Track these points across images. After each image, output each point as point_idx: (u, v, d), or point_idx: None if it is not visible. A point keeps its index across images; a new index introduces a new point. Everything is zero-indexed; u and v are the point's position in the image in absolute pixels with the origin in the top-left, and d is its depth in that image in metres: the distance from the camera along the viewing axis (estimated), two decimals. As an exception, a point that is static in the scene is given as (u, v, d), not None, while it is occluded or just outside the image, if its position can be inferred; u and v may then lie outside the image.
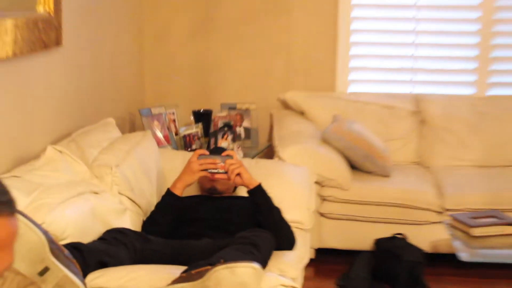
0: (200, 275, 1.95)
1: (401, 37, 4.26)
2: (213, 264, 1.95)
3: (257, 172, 2.84)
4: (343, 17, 4.05)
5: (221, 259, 1.99)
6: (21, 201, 2.09)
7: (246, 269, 1.92)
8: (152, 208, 2.74)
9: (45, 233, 1.86)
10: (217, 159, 2.65)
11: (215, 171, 2.64)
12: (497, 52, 4.25)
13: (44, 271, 1.86)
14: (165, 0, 4.24)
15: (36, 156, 2.64)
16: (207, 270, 1.93)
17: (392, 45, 4.29)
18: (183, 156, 2.95)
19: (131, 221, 2.60)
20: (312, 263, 3.26)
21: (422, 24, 4.19)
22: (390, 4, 4.21)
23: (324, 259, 3.59)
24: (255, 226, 2.57)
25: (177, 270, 2.05)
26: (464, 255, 2.84)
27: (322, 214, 3.45)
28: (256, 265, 1.94)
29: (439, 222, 3.37)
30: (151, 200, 2.82)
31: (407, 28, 4.20)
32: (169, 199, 2.67)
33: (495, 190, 3.55)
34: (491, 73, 4.28)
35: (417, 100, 4.05)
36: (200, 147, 3.42)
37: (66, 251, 1.95)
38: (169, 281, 1.99)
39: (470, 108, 3.98)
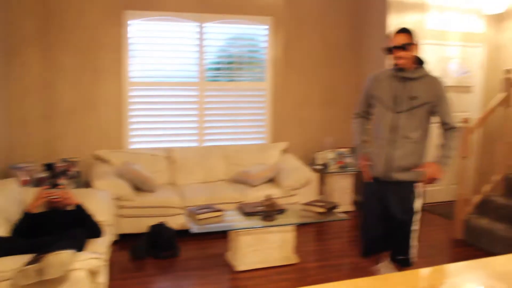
0: (39, 259, 2.46)
1: (159, 116, 5.53)
2: (49, 252, 2.50)
3: (82, 195, 3.86)
4: (125, 100, 5.40)
5: (56, 248, 2.52)
6: None
7: (64, 253, 2.49)
8: (16, 218, 3.33)
9: None
10: (55, 190, 3.45)
11: (54, 197, 3.43)
12: (208, 118, 5.70)
13: None
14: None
15: None
16: (42, 256, 2.47)
17: (155, 123, 5.51)
18: (36, 190, 3.67)
19: (1, 230, 3.19)
20: (116, 242, 4.34)
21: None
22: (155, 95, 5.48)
23: (124, 240, 4.52)
24: (78, 226, 3.28)
25: (28, 257, 2.57)
26: (195, 229, 3.81)
27: (121, 215, 4.55)
28: (70, 251, 2.51)
29: (182, 214, 4.64)
30: (14, 215, 3.41)
31: (165, 112, 5.54)
32: (25, 216, 3.33)
33: (209, 194, 4.83)
34: (205, 133, 5.72)
35: (168, 150, 5.48)
36: (48, 184, 3.92)
37: None
38: (24, 264, 2.50)
39: (195, 152, 5.52)
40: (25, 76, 5.16)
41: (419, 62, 3.10)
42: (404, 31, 3.02)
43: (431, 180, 3.05)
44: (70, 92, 5.32)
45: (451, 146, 3.09)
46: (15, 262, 2.57)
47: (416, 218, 3.19)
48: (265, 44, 6.01)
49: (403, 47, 2.98)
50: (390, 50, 3.03)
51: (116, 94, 5.44)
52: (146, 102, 5.63)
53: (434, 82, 3.05)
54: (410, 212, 3.15)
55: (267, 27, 5.95)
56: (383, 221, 3.21)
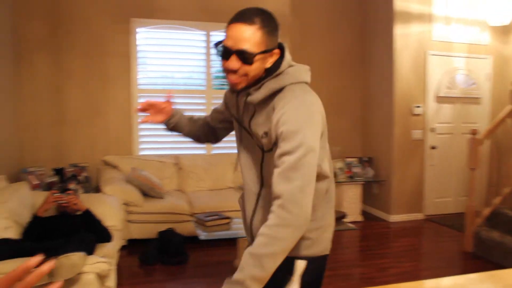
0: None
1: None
2: (58, 254, 2.52)
3: (91, 200, 3.90)
4: (134, 107, 5.45)
5: (64, 251, 2.54)
6: None
7: (74, 255, 2.50)
8: (26, 221, 3.37)
9: None
10: (63, 195, 3.45)
11: (62, 202, 3.45)
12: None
13: None
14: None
15: None
16: (55, 258, 2.34)
17: (163, 129, 5.49)
18: (45, 195, 3.70)
19: (12, 233, 3.22)
20: (125, 247, 4.40)
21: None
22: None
23: (132, 245, 4.54)
24: (87, 231, 3.29)
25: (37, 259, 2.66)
26: (203, 236, 3.76)
27: (129, 221, 4.61)
28: (81, 253, 2.51)
29: (190, 220, 4.68)
30: (25, 219, 3.44)
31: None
32: (35, 219, 3.37)
33: (217, 202, 4.85)
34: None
35: (176, 157, 5.55)
36: (57, 188, 4.47)
37: None
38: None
39: (203, 160, 5.61)
40: (34, 81, 5.22)
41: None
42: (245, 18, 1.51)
43: None
44: (79, 98, 5.39)
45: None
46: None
47: None
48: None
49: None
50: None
51: (125, 100, 5.49)
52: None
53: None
54: None
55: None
56: None
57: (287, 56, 1.62)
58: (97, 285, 2.71)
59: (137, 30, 5.45)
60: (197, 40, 5.74)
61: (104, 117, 5.43)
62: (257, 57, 1.51)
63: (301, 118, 1.46)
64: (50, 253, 2.61)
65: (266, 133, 1.54)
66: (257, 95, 1.56)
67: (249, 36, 1.49)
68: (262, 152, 1.61)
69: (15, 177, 4.77)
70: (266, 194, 1.62)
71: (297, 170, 1.41)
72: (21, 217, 3.46)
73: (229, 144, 5.92)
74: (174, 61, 5.63)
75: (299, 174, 1.41)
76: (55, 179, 4.84)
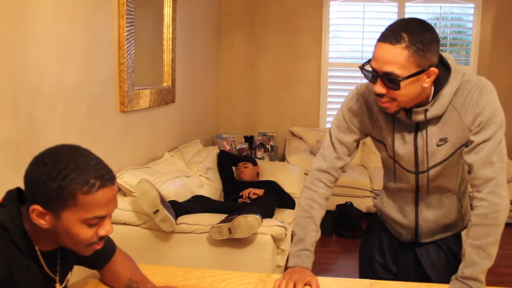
0: (231, 219, 2.65)
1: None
2: (239, 214, 2.65)
3: (276, 168, 4.22)
4: (323, 81, 5.51)
5: (244, 211, 2.68)
6: (149, 178, 2.87)
7: (252, 217, 2.63)
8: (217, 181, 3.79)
9: (159, 193, 2.63)
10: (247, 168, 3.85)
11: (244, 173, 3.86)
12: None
13: (156, 212, 2.63)
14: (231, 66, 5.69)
15: (159, 158, 3.63)
16: (234, 217, 2.64)
17: None
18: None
19: (206, 191, 3.53)
20: None
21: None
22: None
23: None
24: (270, 195, 3.44)
25: (223, 217, 2.77)
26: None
27: None
28: (257, 216, 2.62)
29: (370, 196, 4.64)
30: (216, 179, 3.85)
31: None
32: (228, 182, 3.85)
33: None
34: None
35: None
36: (246, 155, 4.78)
37: (168, 203, 2.71)
38: (218, 222, 2.73)
39: None
40: (231, 56, 5.63)
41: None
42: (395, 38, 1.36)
43: None
44: (271, 71, 5.63)
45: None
46: (212, 219, 2.82)
47: None
48: (471, 25, 5.51)
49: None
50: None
51: (314, 74, 5.58)
52: (343, 83, 5.65)
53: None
54: None
55: (473, 5, 5.44)
56: None
57: (454, 67, 1.49)
58: (273, 247, 2.85)
59: (331, 3, 5.46)
60: (389, 12, 5.54)
61: (293, 90, 5.60)
62: (404, 82, 1.36)
63: (491, 103, 1.44)
64: (235, 212, 2.81)
65: (443, 139, 1.52)
66: (437, 109, 1.48)
67: (393, 58, 1.34)
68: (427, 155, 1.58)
69: (210, 142, 5.16)
70: (424, 191, 1.67)
71: (498, 153, 1.43)
72: (212, 177, 3.81)
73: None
74: (365, 34, 5.53)
75: (500, 157, 1.44)
76: (244, 146, 5.14)
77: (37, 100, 2.29)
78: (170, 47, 3.79)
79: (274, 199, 3.32)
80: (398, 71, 1.34)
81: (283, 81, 5.62)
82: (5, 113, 2.09)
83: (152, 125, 3.65)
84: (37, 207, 1.09)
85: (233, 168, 4.06)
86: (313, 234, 1.65)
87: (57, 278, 1.29)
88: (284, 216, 3.36)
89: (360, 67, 1.47)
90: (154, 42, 3.62)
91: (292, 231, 1.68)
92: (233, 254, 2.79)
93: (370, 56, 1.43)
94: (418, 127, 1.54)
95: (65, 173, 1.07)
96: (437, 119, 1.50)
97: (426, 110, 1.48)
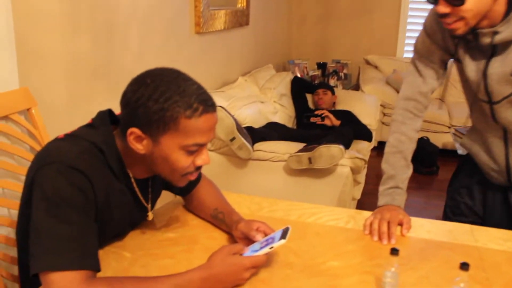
0: (312, 149, 2.59)
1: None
2: (319, 144, 2.61)
3: (350, 97, 4.11)
4: (404, 6, 5.23)
5: (324, 141, 2.63)
6: (224, 103, 2.94)
7: (335, 147, 2.57)
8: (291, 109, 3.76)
9: (235, 119, 2.58)
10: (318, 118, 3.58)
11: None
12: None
13: (232, 139, 2.62)
14: None
15: (233, 82, 3.65)
16: (315, 147, 2.59)
17: None
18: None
19: (279, 118, 3.57)
20: (375, 148, 4.39)
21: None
22: None
23: (381, 148, 4.77)
24: (347, 126, 3.40)
25: (301, 145, 2.75)
26: (461, 151, 3.49)
27: (383, 123, 4.60)
28: (340, 146, 2.58)
29: (448, 132, 4.48)
30: (290, 106, 3.82)
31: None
32: (304, 110, 3.74)
33: None
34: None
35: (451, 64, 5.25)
36: (323, 81, 4.69)
37: (245, 130, 2.70)
38: (296, 150, 2.68)
39: None
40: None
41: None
42: None
43: None
44: (348, -6, 5.33)
45: None
46: (289, 147, 2.75)
47: None
48: None
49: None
50: None
51: (395, -2, 5.21)
52: (425, 9, 5.20)
53: None
54: None
55: None
56: None
57: None
58: (350, 179, 2.78)
59: None
60: None
61: (370, 16, 5.30)
62: None
63: None
64: (312, 141, 2.74)
65: None
66: (510, 31, 1.27)
67: None
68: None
69: (281, 68, 5.07)
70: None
71: None
72: (286, 104, 3.74)
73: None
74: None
75: None
76: (317, 72, 4.99)
77: (113, 20, 2.26)
78: (246, -34, 3.66)
79: (352, 130, 3.24)
80: None
81: (360, 6, 5.31)
82: (84, 28, 2.08)
83: (226, 48, 3.61)
84: (135, 130, 1.02)
85: (307, 95, 3.96)
86: (404, 170, 1.53)
87: (149, 206, 1.26)
88: (359, 148, 3.27)
89: None
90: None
91: (382, 169, 1.57)
92: (309, 185, 2.74)
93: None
94: (494, 52, 1.35)
95: (167, 95, 0.99)
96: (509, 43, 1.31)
97: (495, 33, 1.29)
